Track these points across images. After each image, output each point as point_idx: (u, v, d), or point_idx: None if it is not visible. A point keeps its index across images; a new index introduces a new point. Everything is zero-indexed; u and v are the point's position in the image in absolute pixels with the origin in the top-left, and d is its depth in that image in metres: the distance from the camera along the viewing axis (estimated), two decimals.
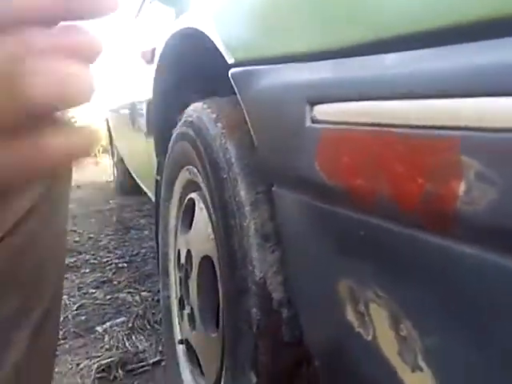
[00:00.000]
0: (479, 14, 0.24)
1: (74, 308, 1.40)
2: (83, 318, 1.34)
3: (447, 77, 0.24)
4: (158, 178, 1.13)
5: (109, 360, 1.07)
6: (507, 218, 0.21)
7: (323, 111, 0.34)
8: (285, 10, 0.41)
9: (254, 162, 0.55)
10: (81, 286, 1.59)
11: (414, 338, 0.27)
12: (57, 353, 1.14)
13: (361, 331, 0.31)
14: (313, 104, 0.35)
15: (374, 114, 0.29)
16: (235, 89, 0.50)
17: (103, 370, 1.05)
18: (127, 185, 3.09)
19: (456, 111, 0.24)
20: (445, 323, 0.26)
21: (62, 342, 1.20)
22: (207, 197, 0.71)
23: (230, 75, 0.51)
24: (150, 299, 1.43)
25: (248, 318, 0.49)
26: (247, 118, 0.49)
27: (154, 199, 1.38)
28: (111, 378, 1.02)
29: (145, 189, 1.90)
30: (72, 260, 1.85)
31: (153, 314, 1.33)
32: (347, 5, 0.33)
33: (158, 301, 1.31)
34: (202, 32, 0.62)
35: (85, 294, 1.51)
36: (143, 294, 1.48)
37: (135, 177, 2.23)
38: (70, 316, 1.34)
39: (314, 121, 0.35)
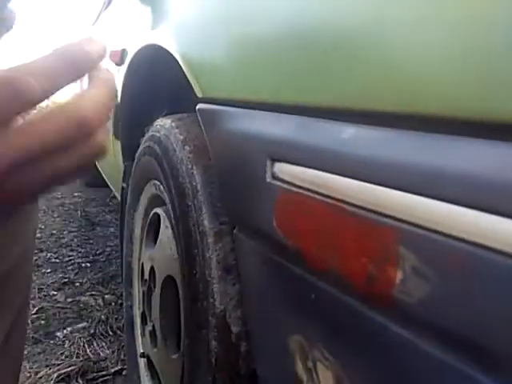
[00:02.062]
0: (436, 108, 0.25)
1: (34, 311, 1.36)
2: (43, 322, 1.31)
3: (394, 167, 0.26)
4: (124, 185, 1.12)
5: (68, 369, 1.06)
6: (435, 313, 0.23)
7: (283, 170, 0.35)
8: (261, 53, 0.40)
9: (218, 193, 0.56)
10: (41, 287, 1.55)
11: None
12: None
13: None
14: (274, 160, 0.36)
15: (328, 185, 0.30)
16: (201, 125, 0.51)
17: (62, 378, 1.03)
18: (94, 176, 3.00)
19: (398, 203, 0.25)
20: None
21: None
22: (172, 218, 0.71)
23: (197, 109, 0.52)
24: (113, 303, 1.42)
25: (207, 350, 0.51)
26: (211, 156, 0.49)
27: (119, 200, 1.36)
28: None
29: (111, 187, 1.87)
30: None
31: (116, 319, 1.32)
32: (321, 64, 0.32)
33: (122, 305, 1.30)
34: (173, 56, 0.62)
35: (45, 296, 1.48)
36: (106, 297, 1.46)
37: (101, 172, 2.18)
38: (29, 320, 1.31)
39: (274, 177, 0.36)
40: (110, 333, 1.25)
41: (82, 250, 1.91)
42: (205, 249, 0.55)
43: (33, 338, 1.22)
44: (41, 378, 1.05)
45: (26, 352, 1.16)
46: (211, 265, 0.54)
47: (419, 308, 0.24)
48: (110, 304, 1.42)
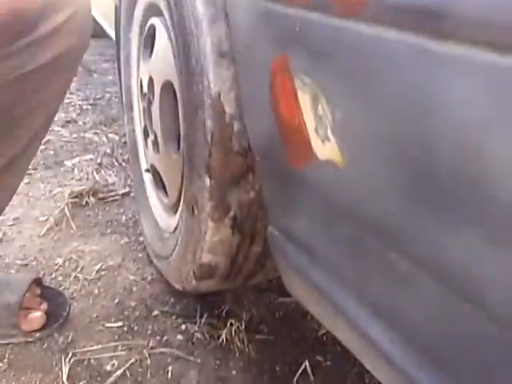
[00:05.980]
0: None
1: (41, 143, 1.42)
2: (51, 152, 1.38)
3: None
4: (117, 2, 1.05)
5: (81, 188, 1.15)
6: None
7: None
8: None
9: None
10: None
11: (326, 115, 0.31)
12: (28, 181, 1.20)
13: (289, 118, 0.36)
14: None
15: None
16: None
17: (75, 196, 1.13)
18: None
19: None
20: (350, 99, 0.30)
21: (33, 171, 1.25)
22: (167, 16, 0.68)
23: None
24: (117, 140, 1.47)
25: (203, 129, 0.54)
26: None
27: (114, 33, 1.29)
28: (83, 203, 1.11)
29: (99, 18, 1.77)
30: None
31: (120, 154, 1.37)
32: None
33: (125, 143, 1.34)
34: None
35: (51, 130, 1.51)
36: (110, 135, 1.51)
37: (94, 11, 2.03)
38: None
39: None
40: (116, 164, 1.32)
41: (82, 94, 1.90)
42: (199, 35, 0.54)
43: (43, 164, 1.30)
44: (55, 194, 1.15)
45: (38, 175, 1.25)
46: (206, 50, 0.53)
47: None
48: (114, 141, 1.47)
